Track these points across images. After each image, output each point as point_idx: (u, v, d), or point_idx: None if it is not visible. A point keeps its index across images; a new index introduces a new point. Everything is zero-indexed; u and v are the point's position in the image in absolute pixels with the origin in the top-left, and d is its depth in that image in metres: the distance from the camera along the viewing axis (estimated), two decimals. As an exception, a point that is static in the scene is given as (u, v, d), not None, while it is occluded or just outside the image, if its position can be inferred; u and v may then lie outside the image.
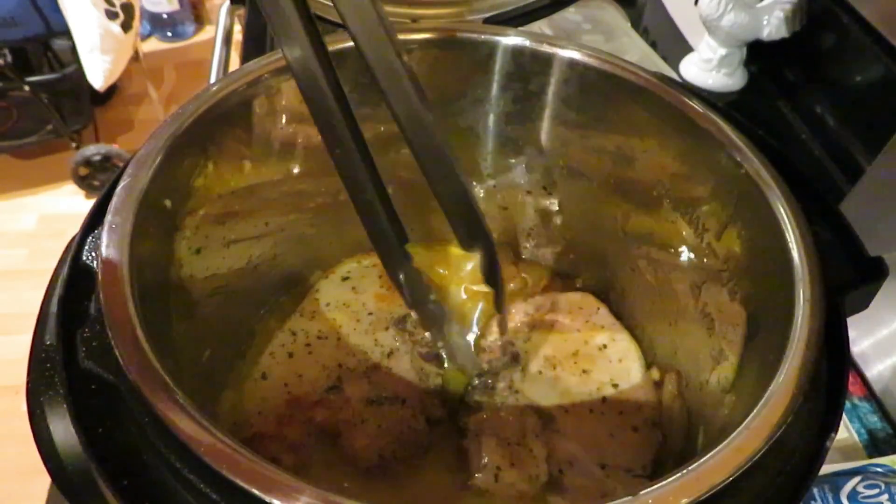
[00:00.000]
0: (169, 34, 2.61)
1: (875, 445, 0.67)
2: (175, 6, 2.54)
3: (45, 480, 0.40)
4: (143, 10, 2.44)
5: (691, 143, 0.52)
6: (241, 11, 1.07)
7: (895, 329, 0.73)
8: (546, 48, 0.57)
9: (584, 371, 0.60)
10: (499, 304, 0.54)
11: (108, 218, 0.42)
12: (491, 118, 0.63)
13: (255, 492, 0.31)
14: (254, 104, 0.53)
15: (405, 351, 0.60)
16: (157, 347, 0.37)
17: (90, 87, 1.86)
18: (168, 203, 0.48)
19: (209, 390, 0.57)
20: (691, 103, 0.51)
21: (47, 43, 1.82)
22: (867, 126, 0.87)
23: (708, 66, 1.02)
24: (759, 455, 0.34)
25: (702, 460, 0.34)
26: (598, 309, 0.64)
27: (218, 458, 0.32)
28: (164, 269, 0.48)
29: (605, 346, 0.62)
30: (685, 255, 0.55)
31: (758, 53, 1.01)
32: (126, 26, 1.84)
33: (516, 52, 0.58)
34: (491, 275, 0.51)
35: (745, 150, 0.48)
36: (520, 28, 0.62)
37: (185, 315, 0.51)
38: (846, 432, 0.68)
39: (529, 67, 0.58)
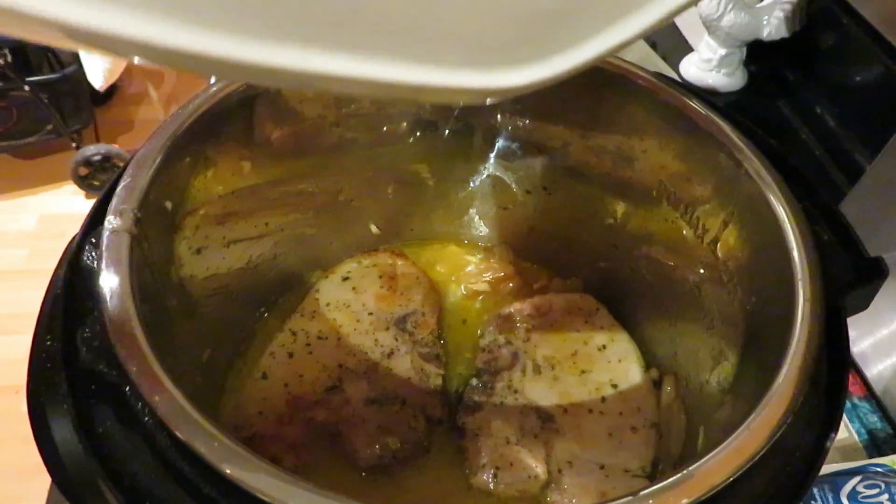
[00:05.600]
0: (169, 34, 2.60)
1: (875, 445, 0.67)
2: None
3: (45, 480, 0.40)
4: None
5: (691, 143, 0.52)
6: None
7: (895, 329, 0.73)
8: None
9: (584, 371, 0.60)
10: None
11: (108, 218, 0.42)
12: (490, 118, 0.63)
13: (256, 492, 0.31)
14: (254, 104, 0.53)
15: (405, 351, 0.60)
16: (157, 347, 0.37)
17: (90, 87, 1.86)
18: (168, 203, 0.48)
19: (209, 390, 0.57)
20: (691, 103, 0.51)
21: (47, 43, 1.82)
22: (867, 126, 0.87)
23: (708, 66, 1.01)
24: (759, 455, 0.34)
25: (702, 460, 0.34)
26: (598, 309, 0.64)
27: (218, 458, 0.32)
28: (164, 269, 0.48)
29: (604, 347, 0.61)
30: (685, 255, 0.55)
31: (758, 53, 1.01)
32: (126, 26, 1.83)
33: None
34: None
35: (745, 150, 0.48)
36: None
37: (185, 315, 0.51)
38: (846, 432, 0.68)
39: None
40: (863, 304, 0.45)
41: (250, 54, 0.21)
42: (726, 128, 0.49)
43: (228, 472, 0.32)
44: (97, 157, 1.91)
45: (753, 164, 0.47)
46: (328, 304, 0.63)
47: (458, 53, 0.24)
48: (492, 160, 0.66)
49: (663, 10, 0.25)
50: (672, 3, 0.25)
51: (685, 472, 0.33)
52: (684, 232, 0.55)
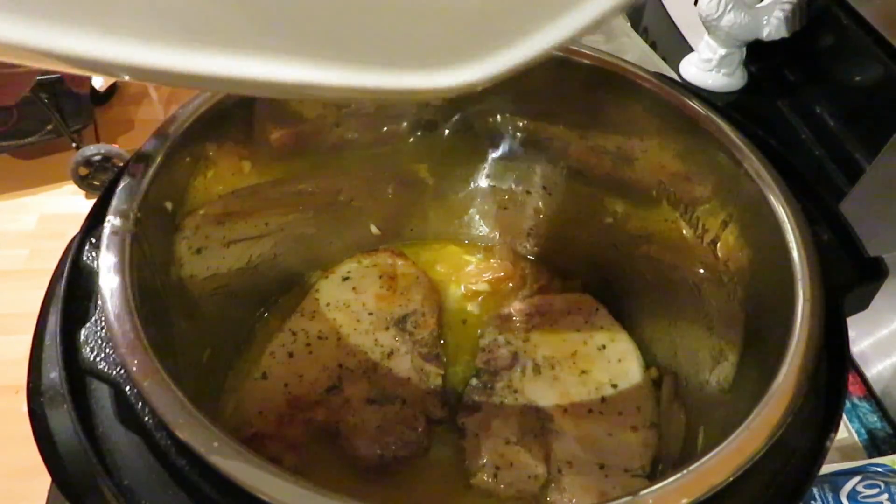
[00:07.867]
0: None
1: (875, 445, 0.67)
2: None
3: (45, 480, 0.40)
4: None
5: (691, 143, 0.52)
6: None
7: (895, 329, 0.73)
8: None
9: (583, 371, 0.60)
10: None
11: (108, 218, 0.42)
12: (490, 118, 0.63)
13: (256, 492, 0.31)
14: (253, 104, 0.53)
15: (405, 351, 0.60)
16: (157, 347, 0.37)
17: (90, 87, 1.86)
18: (168, 203, 0.48)
19: (209, 390, 0.57)
20: (691, 103, 0.51)
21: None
22: (867, 126, 0.87)
23: (708, 66, 1.02)
24: (759, 455, 0.34)
25: (702, 461, 0.34)
26: (598, 309, 0.64)
27: (218, 458, 0.32)
28: (164, 269, 0.48)
29: (604, 347, 0.61)
30: (685, 255, 0.55)
31: (758, 53, 1.01)
32: (126, 26, 1.83)
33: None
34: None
35: (745, 150, 0.48)
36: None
37: (185, 315, 0.51)
38: (846, 432, 0.68)
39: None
40: (863, 304, 0.45)
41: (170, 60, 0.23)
42: (726, 128, 0.49)
43: (228, 472, 0.32)
44: (97, 157, 1.91)
45: (753, 164, 0.47)
46: (328, 304, 0.63)
47: (387, 55, 0.25)
48: (492, 160, 0.66)
49: (591, 15, 0.26)
50: (600, 7, 0.26)
51: (685, 472, 0.33)
52: (684, 232, 0.55)
